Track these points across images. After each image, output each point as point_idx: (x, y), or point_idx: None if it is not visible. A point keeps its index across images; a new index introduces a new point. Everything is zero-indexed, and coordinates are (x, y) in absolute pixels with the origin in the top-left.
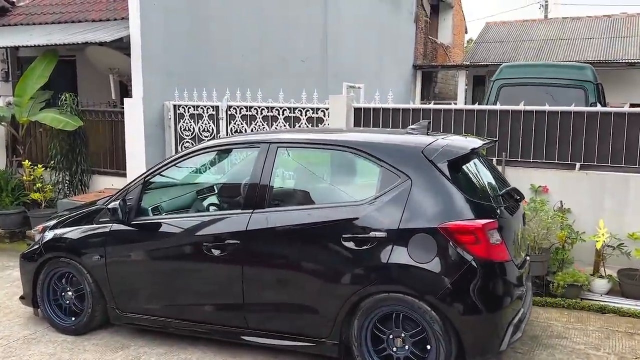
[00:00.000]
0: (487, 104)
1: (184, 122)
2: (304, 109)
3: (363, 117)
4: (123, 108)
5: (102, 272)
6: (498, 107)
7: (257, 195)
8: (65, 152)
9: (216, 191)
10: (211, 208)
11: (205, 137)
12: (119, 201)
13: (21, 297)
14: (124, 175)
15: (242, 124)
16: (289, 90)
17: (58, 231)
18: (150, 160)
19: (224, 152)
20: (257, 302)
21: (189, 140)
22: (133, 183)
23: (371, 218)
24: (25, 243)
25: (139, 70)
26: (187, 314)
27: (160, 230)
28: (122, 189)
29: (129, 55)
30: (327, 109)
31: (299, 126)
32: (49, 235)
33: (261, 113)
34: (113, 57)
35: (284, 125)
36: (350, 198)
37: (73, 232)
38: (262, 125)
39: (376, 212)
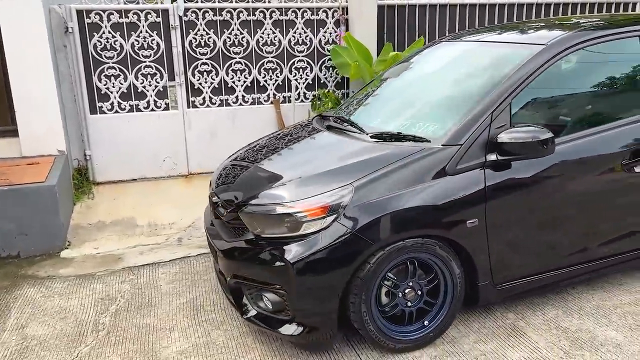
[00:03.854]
0: None
1: (101, 37)
2: (299, 9)
3: (386, 18)
4: None
5: (479, 240)
6: None
7: None
8: None
9: None
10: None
11: (145, 57)
12: (540, 128)
13: (306, 332)
14: (11, 133)
15: (208, 34)
16: None
17: (378, 201)
18: (62, 101)
19: None
20: None
21: (114, 65)
22: (487, 105)
23: None
24: None
25: None
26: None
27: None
28: (471, 116)
29: None
30: (329, 9)
31: (294, 32)
32: (362, 212)
33: (238, 17)
34: None
35: (272, 32)
36: None
37: (409, 196)
38: (241, 33)
39: None
